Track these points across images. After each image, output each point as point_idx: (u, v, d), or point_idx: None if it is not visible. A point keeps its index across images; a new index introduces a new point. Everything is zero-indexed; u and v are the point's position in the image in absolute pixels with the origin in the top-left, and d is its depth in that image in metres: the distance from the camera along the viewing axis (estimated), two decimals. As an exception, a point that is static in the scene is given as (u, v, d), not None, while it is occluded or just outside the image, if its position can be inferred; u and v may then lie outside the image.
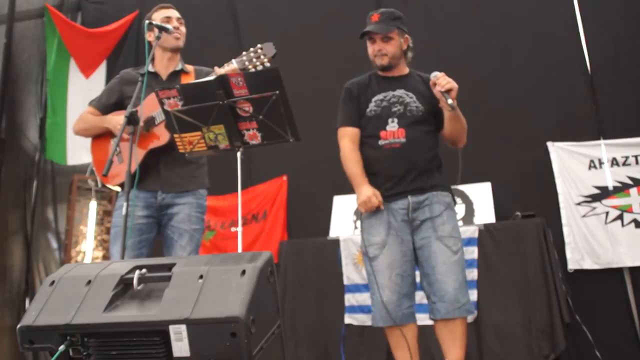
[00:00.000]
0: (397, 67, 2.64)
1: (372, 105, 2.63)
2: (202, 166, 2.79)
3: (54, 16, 5.10)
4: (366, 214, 2.55)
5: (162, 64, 2.77)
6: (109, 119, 2.69)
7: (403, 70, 2.65)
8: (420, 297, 2.65)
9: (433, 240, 2.42)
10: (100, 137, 2.76)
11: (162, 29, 2.60)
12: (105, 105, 2.77)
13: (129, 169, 2.33)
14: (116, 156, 2.64)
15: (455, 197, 2.67)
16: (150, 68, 2.74)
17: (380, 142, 2.58)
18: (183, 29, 2.77)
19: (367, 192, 2.49)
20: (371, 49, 2.64)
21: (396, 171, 2.53)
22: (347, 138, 2.64)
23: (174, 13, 2.78)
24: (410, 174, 2.51)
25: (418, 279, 2.54)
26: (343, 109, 2.70)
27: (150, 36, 2.72)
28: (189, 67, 2.82)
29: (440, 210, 2.46)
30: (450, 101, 2.31)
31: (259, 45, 2.56)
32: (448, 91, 2.33)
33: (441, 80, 2.34)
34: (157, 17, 2.74)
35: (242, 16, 5.01)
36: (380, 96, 2.63)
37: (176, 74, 2.77)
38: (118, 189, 2.71)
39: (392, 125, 2.57)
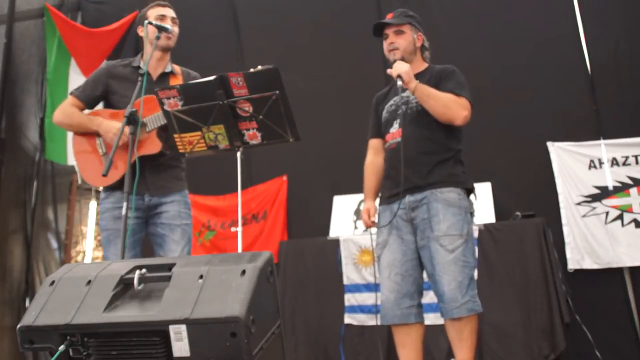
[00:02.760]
0: (411, 64, 2.59)
1: (384, 113, 2.68)
2: (184, 169, 2.81)
3: (54, 16, 5.10)
4: (378, 215, 2.64)
5: (152, 63, 2.68)
6: (100, 122, 2.60)
7: (418, 67, 2.63)
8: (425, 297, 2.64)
9: (431, 240, 2.40)
10: (84, 133, 2.69)
11: (161, 28, 2.59)
12: (90, 96, 2.69)
13: (129, 170, 2.32)
14: (102, 156, 2.62)
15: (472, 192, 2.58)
16: (142, 65, 2.70)
17: (386, 146, 2.65)
18: (176, 29, 2.73)
19: (363, 208, 2.65)
20: (385, 45, 2.64)
21: (393, 171, 2.54)
22: (370, 149, 2.78)
23: (169, 12, 2.74)
24: (405, 171, 2.47)
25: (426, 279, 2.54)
26: (369, 121, 2.80)
27: (141, 31, 2.70)
28: (177, 68, 2.80)
29: (437, 208, 2.41)
30: (399, 83, 2.44)
31: (259, 67, 2.47)
32: (399, 77, 2.46)
33: (392, 71, 2.49)
34: (152, 14, 2.70)
35: (242, 16, 5.01)
36: (391, 102, 2.66)
37: (165, 76, 2.74)
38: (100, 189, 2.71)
39: (394, 127, 2.59)
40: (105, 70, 2.75)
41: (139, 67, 2.70)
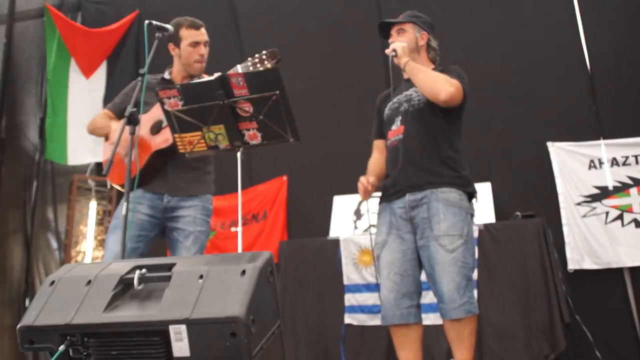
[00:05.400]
0: None
1: (386, 110, 2.67)
2: (209, 173, 2.79)
3: (54, 16, 5.10)
4: (378, 215, 2.60)
5: (180, 76, 2.78)
6: (109, 125, 2.71)
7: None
8: (422, 297, 2.63)
9: (431, 240, 2.38)
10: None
11: (161, 29, 2.59)
12: (120, 108, 2.76)
13: (129, 171, 2.33)
14: (125, 157, 2.65)
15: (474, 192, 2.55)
16: (167, 75, 2.79)
17: (388, 143, 2.62)
18: (207, 50, 2.75)
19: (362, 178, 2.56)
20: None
21: (393, 167, 2.53)
22: (375, 149, 2.76)
23: (202, 37, 2.73)
24: (407, 169, 2.48)
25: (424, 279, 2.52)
26: (373, 123, 2.80)
27: (173, 49, 2.74)
28: (205, 77, 2.81)
29: (438, 208, 2.40)
30: (391, 55, 2.53)
31: (263, 51, 2.55)
32: (394, 51, 2.54)
33: (388, 50, 2.55)
34: (187, 36, 2.70)
35: (242, 16, 5.01)
36: (394, 99, 2.64)
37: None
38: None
39: (396, 124, 2.58)
40: (134, 83, 2.81)
41: (164, 79, 2.78)
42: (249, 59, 2.57)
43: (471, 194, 2.52)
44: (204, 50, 2.73)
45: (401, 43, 2.54)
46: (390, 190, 2.54)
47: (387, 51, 2.55)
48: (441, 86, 2.40)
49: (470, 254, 2.40)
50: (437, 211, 2.40)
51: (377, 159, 2.71)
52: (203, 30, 2.76)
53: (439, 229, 2.37)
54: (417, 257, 2.48)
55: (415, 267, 2.47)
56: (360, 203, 4.23)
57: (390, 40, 2.65)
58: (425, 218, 2.41)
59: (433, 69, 2.61)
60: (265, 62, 2.54)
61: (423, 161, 2.47)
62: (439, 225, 2.38)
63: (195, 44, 2.71)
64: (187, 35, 2.71)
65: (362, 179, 2.53)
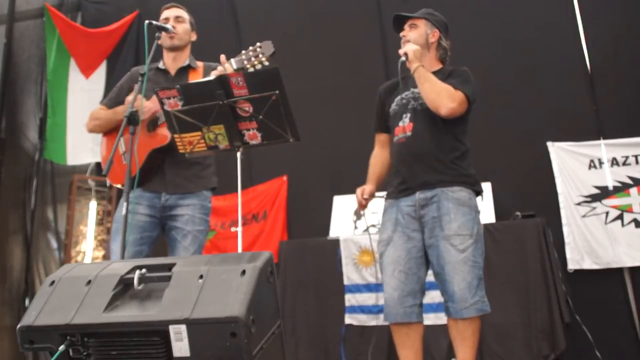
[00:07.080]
0: (422, 61, 2.55)
1: (393, 105, 2.65)
2: (208, 166, 2.79)
3: (54, 16, 5.10)
4: (383, 212, 2.60)
5: (169, 62, 2.80)
6: (121, 108, 2.68)
7: (432, 66, 2.60)
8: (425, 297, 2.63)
9: (440, 239, 2.38)
10: (112, 135, 2.76)
11: (161, 29, 2.63)
12: (115, 102, 2.78)
13: (129, 170, 2.33)
14: (122, 155, 2.65)
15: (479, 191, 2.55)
16: (161, 65, 2.80)
17: (394, 139, 2.61)
18: (181, 26, 2.76)
19: (359, 188, 2.60)
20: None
21: (402, 165, 2.53)
22: (377, 143, 2.77)
23: (171, 13, 2.79)
24: (416, 167, 2.48)
25: (431, 278, 2.51)
26: (374, 114, 2.79)
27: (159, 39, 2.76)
28: (199, 63, 2.83)
29: (448, 207, 2.39)
30: (402, 59, 2.53)
31: (257, 44, 2.55)
32: (405, 54, 2.53)
33: (401, 50, 2.55)
34: (160, 18, 2.77)
35: (242, 16, 5.01)
36: (402, 94, 2.63)
37: (184, 70, 2.78)
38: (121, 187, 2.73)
39: (404, 121, 2.56)
40: (129, 75, 2.85)
41: (159, 68, 2.79)
42: (243, 52, 2.57)
43: (478, 193, 2.53)
44: (173, 23, 2.75)
45: (413, 46, 2.51)
46: (398, 188, 2.54)
47: (400, 51, 2.56)
48: (443, 101, 2.41)
49: (479, 253, 2.40)
50: (448, 210, 2.39)
51: (379, 156, 2.72)
52: (174, 8, 2.80)
53: (450, 228, 2.37)
54: (423, 256, 2.47)
55: (420, 266, 2.47)
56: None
57: (402, 34, 2.64)
58: (435, 217, 2.41)
59: (441, 69, 2.61)
60: (260, 55, 2.54)
61: (433, 160, 2.47)
62: (449, 224, 2.38)
63: (165, 19, 2.76)
64: (161, 17, 2.77)
65: (358, 192, 2.58)
